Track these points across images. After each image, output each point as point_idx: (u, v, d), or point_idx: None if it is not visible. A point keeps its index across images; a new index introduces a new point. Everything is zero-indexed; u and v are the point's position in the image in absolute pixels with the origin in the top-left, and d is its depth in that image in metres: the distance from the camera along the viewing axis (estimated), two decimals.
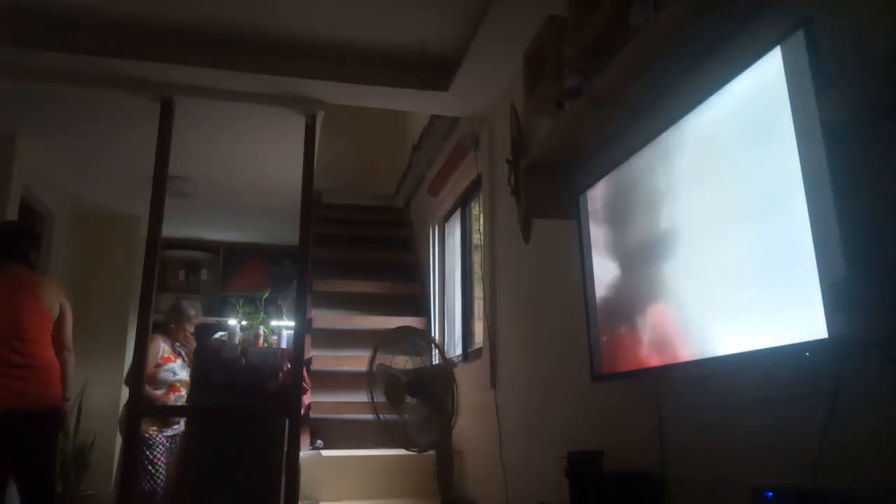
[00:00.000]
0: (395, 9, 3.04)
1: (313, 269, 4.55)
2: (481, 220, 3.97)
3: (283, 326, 4.42)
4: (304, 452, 3.91)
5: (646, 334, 1.96)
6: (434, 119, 4.69)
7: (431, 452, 2.97)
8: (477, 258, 4.39)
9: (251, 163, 4.44)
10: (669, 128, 1.85)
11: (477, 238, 4.40)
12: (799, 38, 1.39)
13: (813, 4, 1.48)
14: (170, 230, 4.86)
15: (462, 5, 2.99)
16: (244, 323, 3.94)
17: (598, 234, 2.30)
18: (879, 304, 1.22)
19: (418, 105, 4.04)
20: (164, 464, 3.83)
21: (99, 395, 5.20)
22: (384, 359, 2.95)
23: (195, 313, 4.17)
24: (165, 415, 3.96)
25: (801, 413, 1.46)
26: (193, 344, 4.02)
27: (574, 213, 2.43)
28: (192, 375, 3.76)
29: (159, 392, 3.87)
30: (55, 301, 3.07)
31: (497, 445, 3.28)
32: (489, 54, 3.18)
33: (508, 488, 3.14)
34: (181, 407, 3.90)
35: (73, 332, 3.29)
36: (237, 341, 3.71)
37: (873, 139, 1.31)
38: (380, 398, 2.92)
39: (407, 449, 2.95)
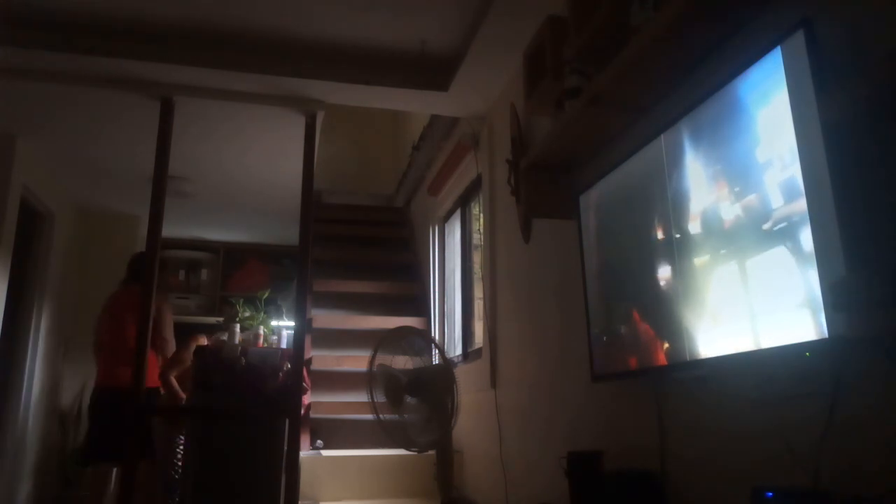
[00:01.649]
0: (396, 9, 3.04)
1: (313, 269, 4.55)
2: (481, 220, 3.96)
3: (283, 326, 4.43)
4: (304, 452, 3.91)
5: (645, 334, 1.96)
6: (434, 119, 4.69)
7: (431, 452, 2.97)
8: (477, 258, 4.39)
9: (251, 163, 4.44)
10: (669, 128, 1.85)
11: (477, 238, 4.40)
12: (799, 38, 1.39)
13: (813, 4, 1.48)
14: (170, 230, 4.89)
15: (462, 5, 2.99)
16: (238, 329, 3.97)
17: (597, 234, 2.30)
18: (879, 304, 1.22)
19: (418, 105, 4.04)
20: None
21: None
22: (384, 359, 2.95)
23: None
24: (164, 414, 3.96)
25: (801, 413, 1.46)
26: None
27: (574, 213, 2.43)
28: (192, 376, 3.76)
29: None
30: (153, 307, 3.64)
31: (497, 445, 3.28)
32: (489, 54, 3.18)
33: (508, 488, 3.14)
34: (181, 407, 3.90)
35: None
36: (237, 341, 3.72)
37: (873, 139, 1.31)
38: (380, 398, 2.92)
39: (407, 449, 2.95)
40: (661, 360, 1.88)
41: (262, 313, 4.23)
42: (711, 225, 1.69)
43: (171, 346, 3.85)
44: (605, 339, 2.21)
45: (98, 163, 4.51)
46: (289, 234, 5.13)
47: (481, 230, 3.94)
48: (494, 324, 3.54)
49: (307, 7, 3.03)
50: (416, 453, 3.02)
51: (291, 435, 3.24)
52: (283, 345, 4.00)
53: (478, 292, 4.27)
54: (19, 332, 4.51)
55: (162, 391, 3.84)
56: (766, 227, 1.48)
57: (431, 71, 3.50)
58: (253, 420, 3.51)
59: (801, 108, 1.38)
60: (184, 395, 3.89)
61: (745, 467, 1.64)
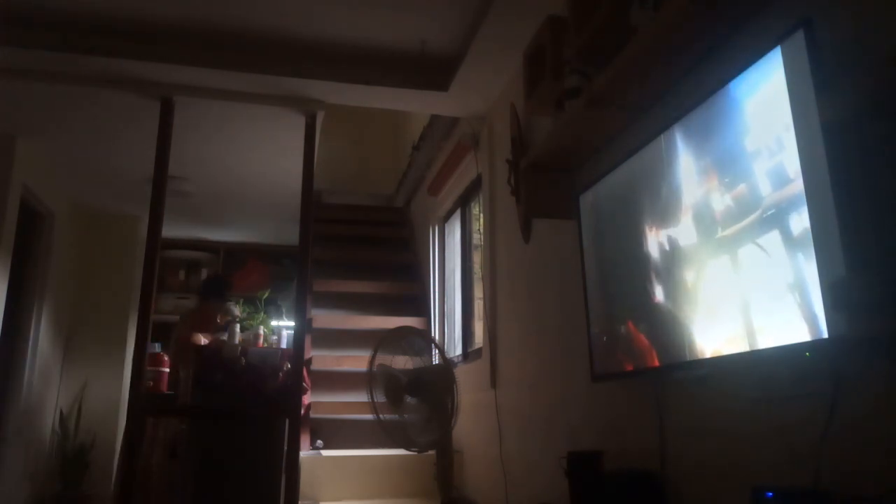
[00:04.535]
0: (396, 9, 3.04)
1: (313, 269, 4.55)
2: (481, 220, 3.96)
3: (283, 326, 4.43)
4: (304, 452, 3.91)
5: (645, 334, 1.96)
6: (434, 119, 4.69)
7: (431, 452, 2.97)
8: (477, 258, 4.39)
9: (251, 163, 4.44)
10: (669, 128, 1.85)
11: (477, 238, 4.40)
12: (799, 38, 1.39)
13: (813, 4, 1.48)
14: (170, 230, 4.88)
15: (462, 5, 2.99)
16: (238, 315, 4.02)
17: (597, 234, 2.30)
18: (879, 304, 1.22)
19: (418, 105, 4.04)
20: None
21: (99, 395, 5.20)
22: (384, 359, 2.95)
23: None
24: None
25: (801, 413, 1.46)
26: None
27: (574, 213, 2.43)
28: (192, 375, 3.76)
29: None
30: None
31: (497, 445, 3.28)
32: (489, 54, 3.18)
33: (508, 488, 3.14)
34: (181, 407, 3.90)
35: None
36: (237, 341, 3.71)
37: (873, 139, 1.30)
38: (380, 398, 2.92)
39: (407, 449, 2.95)
40: (662, 359, 1.88)
41: (262, 313, 4.23)
42: (710, 226, 1.69)
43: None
44: (605, 338, 2.21)
45: (98, 163, 4.51)
46: (289, 234, 5.12)
47: (481, 230, 3.94)
48: (494, 324, 3.54)
49: (307, 7, 3.03)
50: (416, 453, 3.02)
51: (291, 435, 3.24)
52: (283, 345, 4.00)
53: (478, 292, 4.27)
54: (19, 332, 4.51)
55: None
56: (762, 223, 1.48)
57: (431, 71, 3.50)
58: (253, 420, 3.51)
59: (800, 109, 1.38)
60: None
61: (745, 467, 1.64)
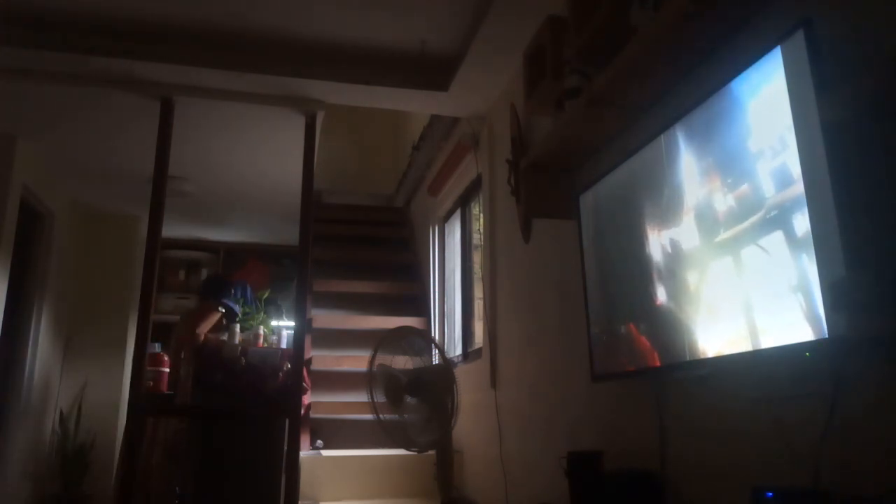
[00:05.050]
0: (396, 9, 3.04)
1: (313, 269, 4.55)
2: (481, 220, 3.97)
3: (283, 326, 4.43)
4: (304, 452, 3.91)
5: (646, 335, 1.96)
6: (434, 119, 4.69)
7: (431, 452, 2.97)
8: (477, 258, 4.39)
9: (251, 163, 4.44)
10: (670, 128, 1.85)
11: (477, 238, 4.40)
12: (799, 38, 1.39)
13: (813, 4, 1.48)
14: (170, 230, 4.89)
15: (462, 5, 2.99)
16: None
17: (597, 234, 2.30)
18: (879, 304, 1.22)
19: (418, 105, 4.04)
20: None
21: (99, 395, 5.20)
22: (384, 359, 2.95)
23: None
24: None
25: (801, 413, 1.47)
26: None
27: (574, 213, 2.43)
28: (192, 375, 3.76)
29: None
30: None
31: (497, 445, 3.28)
32: (489, 54, 3.18)
33: (508, 488, 3.14)
34: (181, 407, 3.90)
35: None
36: (237, 341, 3.71)
37: (873, 139, 1.31)
38: (380, 398, 2.92)
39: (407, 449, 2.96)
40: (662, 359, 1.88)
41: (262, 313, 4.24)
42: (712, 227, 1.69)
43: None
44: (605, 339, 2.21)
45: (98, 163, 4.51)
46: (289, 234, 5.12)
47: (481, 230, 3.94)
48: (494, 324, 3.54)
49: (307, 7, 3.03)
50: (416, 453, 3.02)
51: (291, 435, 3.24)
52: (283, 345, 4.00)
53: (478, 292, 4.27)
54: (19, 331, 4.50)
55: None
56: (764, 224, 1.48)
57: (431, 71, 3.50)
58: (253, 420, 3.51)
59: (801, 109, 1.38)
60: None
61: (745, 467, 1.64)
